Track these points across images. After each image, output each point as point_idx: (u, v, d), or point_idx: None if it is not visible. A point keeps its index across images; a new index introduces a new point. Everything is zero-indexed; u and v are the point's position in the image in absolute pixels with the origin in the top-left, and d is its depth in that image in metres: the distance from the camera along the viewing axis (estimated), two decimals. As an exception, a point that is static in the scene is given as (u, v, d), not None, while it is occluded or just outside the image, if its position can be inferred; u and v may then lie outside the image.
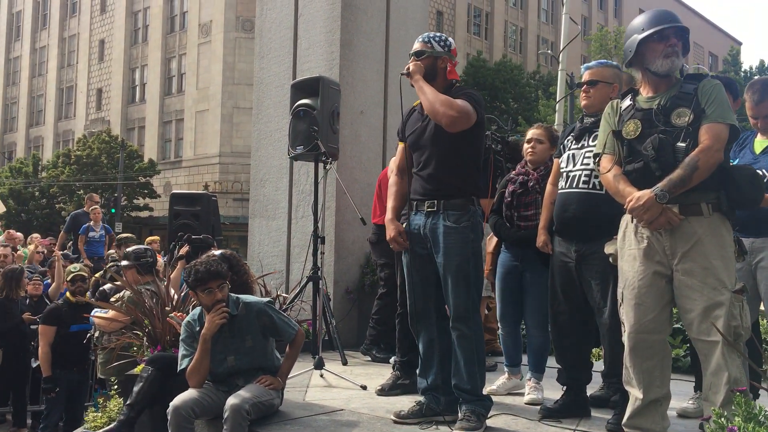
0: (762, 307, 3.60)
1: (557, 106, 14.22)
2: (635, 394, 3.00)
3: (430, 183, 3.46)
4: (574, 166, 3.61)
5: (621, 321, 3.07)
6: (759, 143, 3.63)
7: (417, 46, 3.56)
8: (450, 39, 3.60)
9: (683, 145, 2.85)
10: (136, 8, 39.74)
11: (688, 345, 4.82)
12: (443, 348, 3.51)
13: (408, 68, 3.52)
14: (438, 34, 3.59)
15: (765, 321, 3.75)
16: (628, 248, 3.03)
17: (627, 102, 3.11)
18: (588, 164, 3.54)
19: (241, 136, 33.59)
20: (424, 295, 3.52)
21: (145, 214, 34.40)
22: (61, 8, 43.28)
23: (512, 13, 43.64)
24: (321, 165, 5.24)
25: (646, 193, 2.85)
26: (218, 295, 3.44)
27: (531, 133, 4.21)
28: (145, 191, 34.13)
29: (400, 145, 3.69)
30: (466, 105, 3.35)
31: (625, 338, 3.03)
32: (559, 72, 13.16)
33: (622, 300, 3.04)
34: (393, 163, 4.25)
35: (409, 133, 3.58)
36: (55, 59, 43.48)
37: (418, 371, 3.70)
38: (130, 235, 8.27)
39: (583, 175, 3.55)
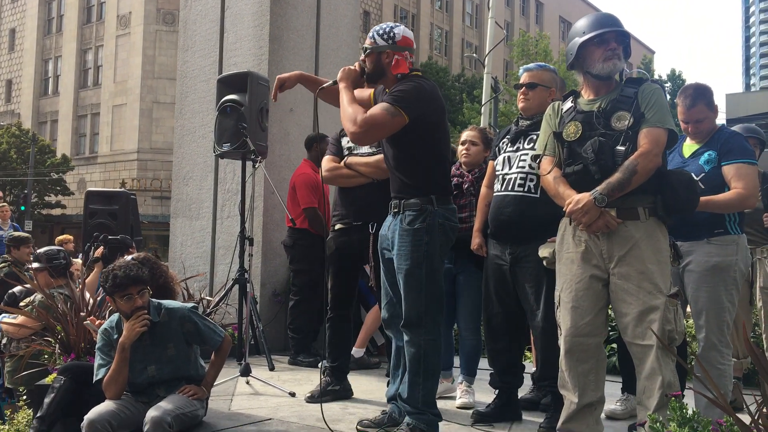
0: (688, 310, 3.67)
1: (482, 109, 14.38)
2: (570, 397, 2.99)
3: (393, 183, 3.34)
4: (510, 168, 3.59)
5: (557, 324, 3.05)
6: (688, 147, 3.69)
7: (365, 42, 3.38)
8: (399, 28, 3.33)
9: (622, 148, 2.86)
10: (50, -3, 38.04)
11: (614, 345, 4.91)
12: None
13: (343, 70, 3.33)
14: (383, 25, 3.36)
15: (690, 322, 3.84)
16: (566, 251, 3.02)
17: (568, 104, 3.10)
18: (523, 167, 3.52)
19: (161, 131, 32.62)
20: (395, 300, 3.34)
21: (57, 211, 32.92)
22: (-33, -5, 41.01)
23: (438, 15, 44.15)
24: (249, 163, 5.06)
25: (585, 196, 2.84)
26: (138, 302, 3.23)
27: (465, 135, 4.18)
28: (58, 188, 32.67)
29: None
30: (375, 115, 3.12)
31: (561, 341, 3.01)
32: (485, 75, 13.28)
33: (559, 303, 3.03)
34: (326, 161, 4.14)
35: None
36: (-40, 47, 41.14)
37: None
38: (25, 234, 7.69)
39: (518, 178, 3.53)
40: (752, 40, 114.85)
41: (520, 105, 3.68)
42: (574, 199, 2.87)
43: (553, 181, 3.01)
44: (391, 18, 40.26)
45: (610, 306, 2.99)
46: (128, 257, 3.69)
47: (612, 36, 2.97)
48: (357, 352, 5.04)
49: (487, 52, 14.00)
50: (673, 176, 2.97)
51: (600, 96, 3.02)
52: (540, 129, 3.28)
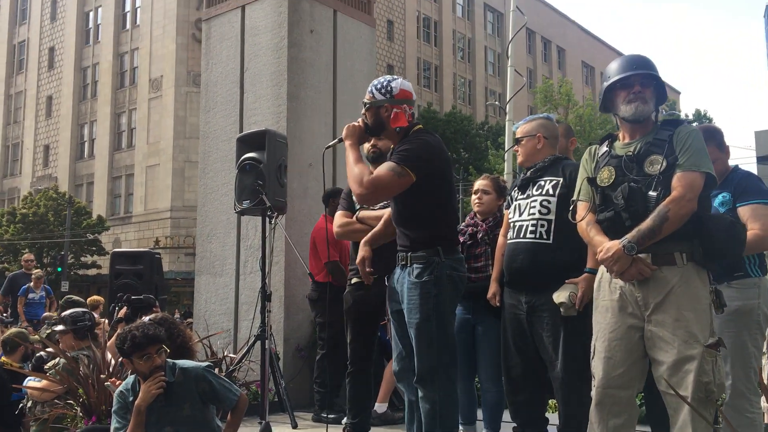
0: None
1: (506, 155, 14.43)
2: None
3: (399, 237, 3.34)
4: (521, 216, 3.58)
5: (592, 374, 2.94)
6: None
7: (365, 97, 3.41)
8: (396, 81, 3.33)
9: (654, 194, 2.77)
10: (85, 64, 39.42)
11: (643, 393, 4.77)
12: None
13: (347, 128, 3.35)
14: (381, 79, 3.34)
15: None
16: (602, 299, 2.93)
17: (604, 148, 3.04)
18: (534, 213, 3.51)
19: (192, 189, 33.16)
20: (405, 354, 3.31)
21: (93, 272, 33.43)
22: (7, 65, 42.67)
23: (460, 66, 44.73)
24: (268, 219, 5.11)
25: (614, 244, 2.77)
26: (157, 361, 3.23)
27: (477, 184, 4.19)
28: (93, 248, 33.24)
29: None
30: (381, 176, 3.12)
31: (593, 392, 2.91)
32: (507, 122, 13.39)
33: (594, 353, 2.93)
34: (338, 217, 4.17)
35: None
36: (0, 116, 42.63)
37: None
38: (76, 298, 7.87)
39: (529, 225, 3.51)
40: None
41: (518, 159, 3.76)
42: (604, 247, 2.80)
43: (586, 227, 2.96)
44: (415, 71, 40.92)
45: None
46: (145, 318, 3.71)
47: (637, 79, 2.91)
48: (380, 407, 4.97)
49: (508, 99, 14.12)
50: (711, 221, 2.84)
51: (635, 139, 2.95)
52: (547, 174, 3.29)
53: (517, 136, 3.73)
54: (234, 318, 6.34)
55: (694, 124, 3.01)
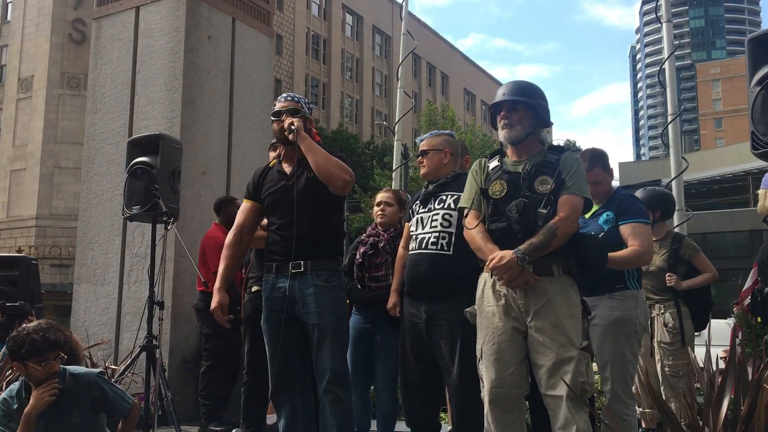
0: (594, 364, 3.81)
1: (393, 174, 14.71)
2: None
3: (299, 243, 3.34)
4: (423, 228, 3.70)
5: (480, 377, 3.10)
6: None
7: (288, 104, 3.47)
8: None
9: (544, 211, 3.00)
10: (-55, 58, 36.51)
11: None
12: (308, 418, 3.35)
13: (293, 123, 3.36)
14: (298, 94, 3.56)
15: (597, 377, 4.00)
16: (486, 305, 3.10)
17: (495, 162, 3.24)
18: (436, 227, 3.64)
19: (62, 197, 31.36)
20: (288, 363, 3.34)
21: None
22: None
23: (348, 85, 45.16)
24: (159, 226, 4.96)
25: (508, 254, 2.95)
26: (55, 367, 3.07)
27: (380, 196, 4.28)
28: (-54, 256, 30.62)
29: (245, 204, 3.56)
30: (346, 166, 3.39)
31: (484, 394, 3.07)
32: (395, 142, 13.67)
33: (481, 356, 3.09)
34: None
35: (268, 193, 3.46)
36: None
37: None
38: None
39: (431, 237, 3.63)
40: (641, 113, 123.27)
41: (421, 171, 3.88)
42: (497, 256, 2.97)
43: (477, 236, 3.12)
44: (303, 86, 40.89)
45: None
46: (32, 324, 3.50)
47: (505, 105, 3.17)
48: (270, 418, 4.92)
49: (396, 120, 14.42)
50: (585, 241, 3.12)
51: (522, 159, 3.19)
52: (448, 189, 3.48)
53: (423, 149, 3.85)
54: (116, 329, 6.07)
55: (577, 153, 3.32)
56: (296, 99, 3.50)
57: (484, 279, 3.15)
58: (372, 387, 4.33)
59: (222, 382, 5.32)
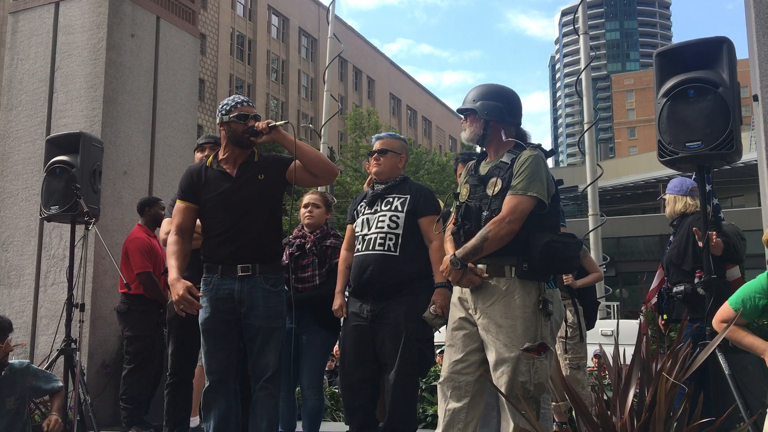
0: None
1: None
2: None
3: (247, 246, 3.34)
4: (369, 229, 3.75)
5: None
6: None
7: (251, 110, 3.43)
8: None
9: (486, 214, 3.03)
10: None
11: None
12: (237, 419, 3.37)
13: (269, 123, 3.35)
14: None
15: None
16: (452, 297, 3.22)
17: (471, 165, 3.28)
18: (382, 227, 3.71)
19: (-31, 197, 29.90)
20: (227, 362, 3.35)
21: None
22: None
23: (274, 86, 44.79)
24: (79, 227, 4.84)
25: (447, 258, 3.07)
26: (10, 348, 3.21)
27: (308, 198, 4.31)
28: None
29: (181, 205, 3.51)
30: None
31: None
32: (322, 145, 13.70)
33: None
34: (166, 224, 4.08)
35: (210, 195, 3.41)
36: None
37: None
38: None
39: (378, 238, 3.70)
40: (560, 121, 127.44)
41: (374, 170, 3.86)
42: (445, 259, 3.09)
43: (445, 237, 3.24)
44: (227, 87, 40.33)
45: None
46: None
47: (462, 111, 3.23)
48: (194, 421, 4.87)
49: (323, 123, 14.46)
50: (531, 242, 2.98)
51: (492, 159, 3.19)
52: (395, 192, 3.69)
53: (380, 148, 3.85)
54: (32, 332, 5.88)
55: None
56: (250, 104, 3.49)
57: None
58: (297, 388, 4.36)
59: (143, 385, 5.23)
